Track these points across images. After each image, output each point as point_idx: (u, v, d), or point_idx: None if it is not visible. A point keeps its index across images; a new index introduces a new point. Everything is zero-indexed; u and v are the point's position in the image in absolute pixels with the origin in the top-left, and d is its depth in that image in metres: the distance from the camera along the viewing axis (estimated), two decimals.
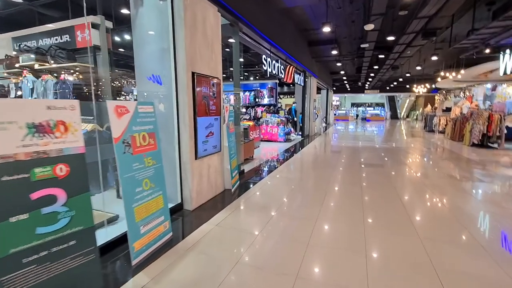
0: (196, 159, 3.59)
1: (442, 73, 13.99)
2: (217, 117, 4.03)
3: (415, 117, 28.93)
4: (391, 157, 7.49)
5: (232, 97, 14.41)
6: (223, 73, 4.39)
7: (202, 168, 3.77)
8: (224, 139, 4.27)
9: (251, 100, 14.03)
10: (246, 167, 6.12)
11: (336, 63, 14.17)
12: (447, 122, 12.67)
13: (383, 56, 11.52)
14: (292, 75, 9.17)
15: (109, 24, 3.79)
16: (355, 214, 3.41)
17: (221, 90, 4.15)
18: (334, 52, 9.65)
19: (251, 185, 4.77)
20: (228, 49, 7.35)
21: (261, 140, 10.47)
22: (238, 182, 4.81)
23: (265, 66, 6.40)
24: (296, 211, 3.55)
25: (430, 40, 8.25)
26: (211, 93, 3.82)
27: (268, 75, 6.56)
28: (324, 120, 19.94)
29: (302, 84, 11.33)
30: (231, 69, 14.27)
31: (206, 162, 3.85)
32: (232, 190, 4.39)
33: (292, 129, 11.32)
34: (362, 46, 8.52)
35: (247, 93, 14.22)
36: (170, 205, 3.46)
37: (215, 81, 3.93)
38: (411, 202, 3.91)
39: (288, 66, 8.68)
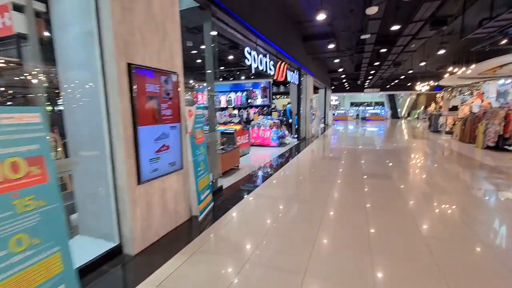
0: (139, 183, 2.60)
1: (450, 69, 13.02)
2: (174, 125, 3.04)
3: (416, 116, 27.99)
4: (398, 165, 6.51)
5: (223, 98, 13.46)
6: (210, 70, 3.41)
7: (152, 194, 2.79)
8: (187, 152, 3.29)
9: (243, 101, 13.07)
10: (228, 181, 5.14)
11: (333, 59, 13.21)
12: (454, 122, 11.71)
13: (385, 50, 10.55)
14: (284, 72, 8.19)
15: (41, 6, 2.80)
16: (358, 261, 2.42)
17: (181, 89, 3.17)
18: (332, 46, 8.68)
19: (229, 208, 3.78)
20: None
21: (253, 145, 9.50)
22: (212, 204, 3.83)
23: (248, 60, 5.42)
24: (278, 256, 2.56)
25: (439, 29, 7.28)
26: (163, 93, 2.84)
27: (253, 71, 5.60)
28: (322, 121, 18.99)
29: (297, 83, 10.36)
30: (222, 68, 13.22)
31: (158, 186, 2.86)
32: (200, 218, 3.41)
33: (286, 132, 10.34)
34: (362, 37, 7.57)
35: (238, 94, 13.26)
36: (105, 249, 2.48)
37: (170, 77, 2.94)
38: (436, 237, 2.92)
39: (280, 62, 7.71)
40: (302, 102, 11.74)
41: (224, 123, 8.25)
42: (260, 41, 5.93)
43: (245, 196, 4.31)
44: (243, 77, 14.47)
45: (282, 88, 24.14)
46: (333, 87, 24.86)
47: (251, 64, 5.51)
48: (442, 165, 6.52)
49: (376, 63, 13.77)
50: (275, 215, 3.56)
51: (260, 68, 6.07)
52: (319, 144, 10.75)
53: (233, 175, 5.71)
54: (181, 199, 3.26)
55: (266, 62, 6.40)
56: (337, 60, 13.31)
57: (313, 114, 14.04)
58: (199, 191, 3.44)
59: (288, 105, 11.59)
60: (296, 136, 11.42)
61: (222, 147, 5.84)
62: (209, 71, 4.29)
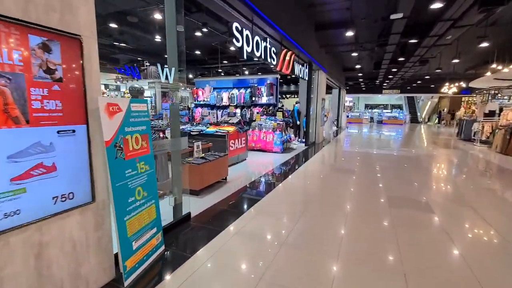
0: None
1: (490, 66, 11.21)
2: (69, 129, 1.71)
3: (435, 121, 25.76)
4: (431, 186, 4.98)
5: (225, 95, 12.14)
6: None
7: (7, 259, 1.47)
8: (103, 175, 1.96)
9: (247, 99, 11.70)
10: (205, 202, 3.81)
11: (350, 54, 11.65)
12: (493, 130, 9.93)
13: (414, 41, 8.92)
14: (291, 64, 6.76)
15: None
16: None
17: (93, 66, 1.84)
18: (349, 34, 7.19)
19: (190, 254, 2.44)
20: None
21: (253, 150, 8.15)
22: (160, 250, 2.49)
23: (238, 41, 4.03)
24: None
25: (491, 12, 5.68)
26: (35, 69, 1.51)
27: (244, 57, 4.20)
28: (335, 123, 17.38)
29: (307, 78, 8.90)
30: (239, 63, 11.75)
31: (25, 241, 1.55)
32: (129, 281, 2.07)
33: (292, 136, 8.92)
34: (393, 17, 5.99)
35: (242, 90, 11.90)
36: None
37: (55, 42, 1.61)
38: None
39: (285, 51, 6.29)
40: (313, 102, 10.27)
41: (217, 124, 6.94)
42: (258, 19, 4.54)
43: (222, 231, 2.95)
44: (247, 72, 13.09)
45: (293, 87, 22.64)
46: (347, 87, 23.11)
47: (242, 47, 4.11)
48: (491, 186, 4.94)
49: (400, 60, 12.09)
50: (260, 271, 2.18)
51: (257, 54, 4.67)
52: (330, 151, 9.25)
53: (216, 192, 4.38)
54: (92, 254, 1.93)
55: (265, 47, 5.00)
56: (354, 54, 11.73)
57: (325, 115, 12.52)
58: (129, 236, 2.11)
59: (296, 105, 10.16)
60: (304, 140, 9.95)
61: (203, 155, 4.51)
62: (172, 53, 2.92)
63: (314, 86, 10.27)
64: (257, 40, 4.63)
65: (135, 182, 2.19)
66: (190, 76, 13.68)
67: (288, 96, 23.43)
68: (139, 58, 12.39)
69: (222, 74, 13.27)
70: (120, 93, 15.63)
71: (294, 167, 6.48)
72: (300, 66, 7.83)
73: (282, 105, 11.58)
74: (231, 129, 6.27)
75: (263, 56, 4.93)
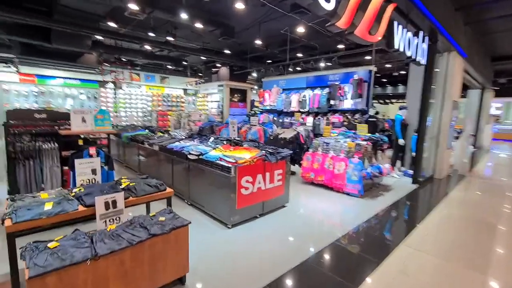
0: None
1: None
2: None
3: None
4: None
5: (295, 97, 9.05)
6: None
7: None
8: None
9: (322, 103, 8.28)
10: None
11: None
12: None
13: None
14: (386, 24, 3.22)
15: None
16: None
17: None
18: None
19: None
20: None
21: (312, 183, 4.95)
22: None
23: None
24: None
25: None
26: None
27: None
28: (472, 141, 11.30)
29: (424, 62, 4.85)
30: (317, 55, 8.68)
31: None
32: None
33: (387, 165, 5.05)
34: None
35: (317, 92, 8.58)
36: None
37: None
38: None
39: None
40: (435, 106, 5.97)
41: (232, 143, 4.04)
42: None
43: None
44: (322, 64, 9.54)
45: (401, 89, 17.09)
46: (496, 88, 15.47)
47: None
48: None
49: None
50: None
51: None
52: (474, 202, 4.82)
53: None
54: None
55: None
56: None
57: (456, 129, 7.60)
58: None
59: (400, 112, 6.09)
60: (411, 171, 5.76)
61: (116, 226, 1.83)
62: None
63: (438, 79, 5.94)
64: None
65: None
66: (254, 74, 11.31)
67: (387, 101, 17.86)
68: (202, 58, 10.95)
69: (291, 70, 10.25)
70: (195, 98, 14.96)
71: (383, 242, 2.91)
72: (408, 34, 4.03)
73: (377, 112, 7.58)
74: (247, 155, 3.32)
75: None
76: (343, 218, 3.88)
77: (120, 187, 2.34)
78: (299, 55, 9.49)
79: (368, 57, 9.02)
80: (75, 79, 11.78)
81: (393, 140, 6.10)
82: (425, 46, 4.66)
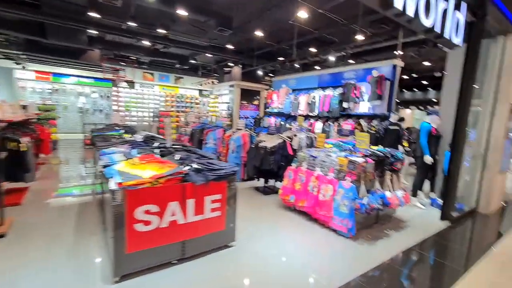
0: None
1: None
2: None
3: None
4: None
5: (303, 99, 7.68)
6: None
7: None
8: None
9: (334, 106, 6.82)
10: None
11: None
12: None
13: None
14: None
15: None
16: None
17: None
18: None
19: None
20: None
21: (294, 209, 3.69)
22: None
23: None
24: None
25: None
26: None
27: None
28: None
29: (462, 45, 3.28)
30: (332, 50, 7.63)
31: None
32: None
33: (400, 191, 3.52)
34: None
35: (328, 92, 7.13)
36: None
37: None
38: None
39: None
40: (482, 111, 4.25)
41: (167, 154, 2.95)
42: None
43: None
44: (332, 58, 7.97)
45: (432, 94, 14.51)
46: None
47: None
48: None
49: None
50: None
51: None
52: None
53: None
54: None
55: None
56: None
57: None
58: None
59: (427, 119, 4.43)
60: (440, 201, 4.09)
61: None
62: None
63: (489, 73, 4.22)
64: None
65: None
66: (260, 72, 10.14)
67: (413, 108, 15.19)
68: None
69: (297, 66, 8.91)
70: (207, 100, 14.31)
71: None
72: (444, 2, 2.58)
73: (402, 119, 5.88)
74: (150, 172, 2.22)
75: None
76: (321, 272, 2.54)
77: None
78: (313, 50, 8.14)
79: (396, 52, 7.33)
80: (89, 77, 11.83)
81: (418, 157, 4.49)
82: (461, 17, 3.09)
